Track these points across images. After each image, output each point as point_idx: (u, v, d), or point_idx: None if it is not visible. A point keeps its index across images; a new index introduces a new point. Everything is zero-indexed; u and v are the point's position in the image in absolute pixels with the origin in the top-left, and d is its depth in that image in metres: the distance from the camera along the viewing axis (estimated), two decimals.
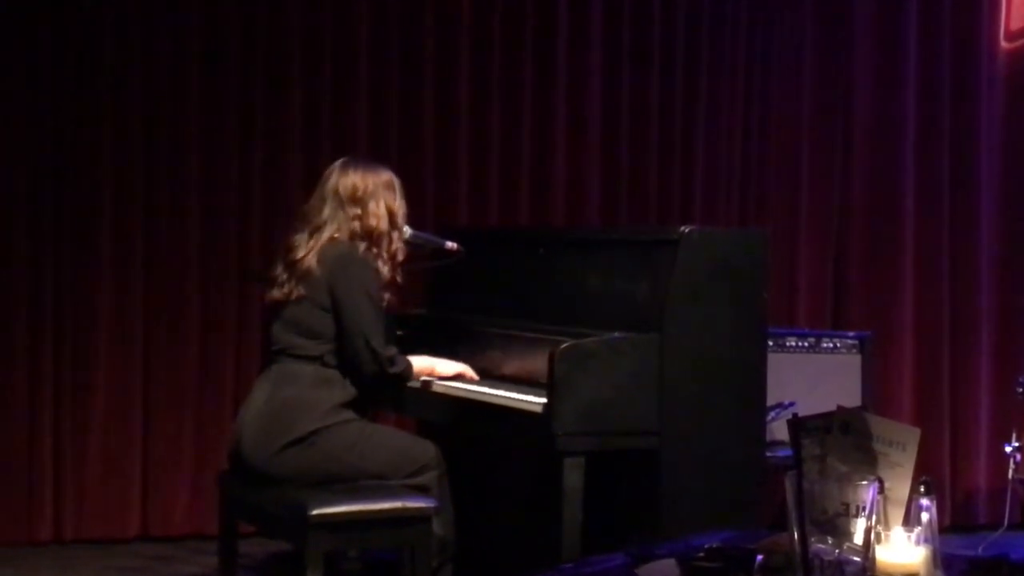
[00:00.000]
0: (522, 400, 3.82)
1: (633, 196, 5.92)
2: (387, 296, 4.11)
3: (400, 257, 4.12)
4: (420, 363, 4.13)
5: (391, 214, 4.06)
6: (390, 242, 4.06)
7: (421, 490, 3.88)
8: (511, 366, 4.20)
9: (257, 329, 5.26)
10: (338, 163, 4.14)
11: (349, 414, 3.95)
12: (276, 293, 4.02)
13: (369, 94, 5.60)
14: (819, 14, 6.12)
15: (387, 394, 4.22)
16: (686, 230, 3.90)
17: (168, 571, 4.99)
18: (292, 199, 5.07)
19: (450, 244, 4.43)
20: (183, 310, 5.43)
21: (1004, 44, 6.19)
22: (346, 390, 3.96)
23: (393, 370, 3.97)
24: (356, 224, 4.00)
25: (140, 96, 5.38)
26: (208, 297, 5.46)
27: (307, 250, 3.97)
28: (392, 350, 4.01)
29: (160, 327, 5.42)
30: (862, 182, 6.13)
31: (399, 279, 4.14)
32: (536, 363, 3.90)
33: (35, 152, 5.28)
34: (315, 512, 3.64)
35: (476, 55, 5.73)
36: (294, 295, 3.96)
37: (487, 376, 4.20)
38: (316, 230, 4.00)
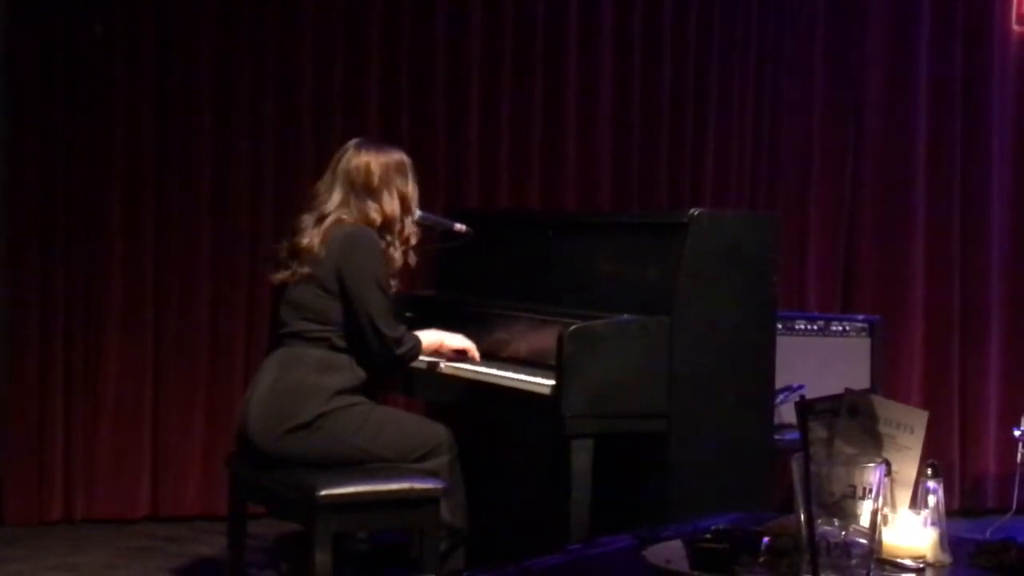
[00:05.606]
0: (530, 382, 3.81)
1: (644, 181, 5.90)
2: (395, 283, 4.09)
3: (413, 241, 4.10)
4: (428, 338, 4.11)
5: (403, 199, 4.04)
6: (403, 227, 4.04)
7: (431, 475, 3.84)
8: (520, 348, 4.20)
9: (267, 313, 5.26)
10: (351, 144, 4.10)
11: (355, 398, 3.92)
12: (280, 275, 3.99)
13: (380, 76, 5.59)
14: None
15: (397, 374, 4.20)
16: (696, 213, 3.89)
17: (178, 551, 5.00)
18: (303, 183, 5.05)
19: (459, 226, 4.43)
20: (194, 293, 5.44)
21: (1016, 27, 6.16)
22: (353, 374, 3.92)
23: (401, 351, 3.96)
24: (373, 215, 3.98)
25: (151, 80, 5.38)
26: (219, 280, 5.47)
27: (312, 235, 3.94)
28: (400, 331, 3.98)
29: (171, 309, 5.43)
30: (873, 165, 6.12)
31: (412, 262, 4.13)
32: (545, 345, 3.90)
33: (47, 140, 5.28)
34: (323, 493, 3.64)
35: (488, 37, 5.72)
36: (298, 276, 3.94)
37: (496, 358, 4.20)
38: (323, 215, 3.97)
